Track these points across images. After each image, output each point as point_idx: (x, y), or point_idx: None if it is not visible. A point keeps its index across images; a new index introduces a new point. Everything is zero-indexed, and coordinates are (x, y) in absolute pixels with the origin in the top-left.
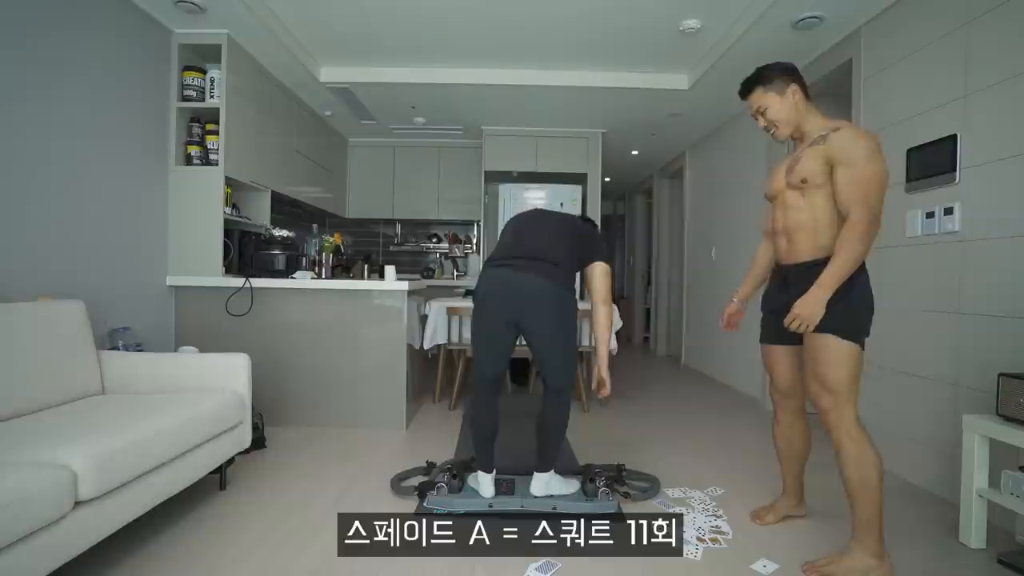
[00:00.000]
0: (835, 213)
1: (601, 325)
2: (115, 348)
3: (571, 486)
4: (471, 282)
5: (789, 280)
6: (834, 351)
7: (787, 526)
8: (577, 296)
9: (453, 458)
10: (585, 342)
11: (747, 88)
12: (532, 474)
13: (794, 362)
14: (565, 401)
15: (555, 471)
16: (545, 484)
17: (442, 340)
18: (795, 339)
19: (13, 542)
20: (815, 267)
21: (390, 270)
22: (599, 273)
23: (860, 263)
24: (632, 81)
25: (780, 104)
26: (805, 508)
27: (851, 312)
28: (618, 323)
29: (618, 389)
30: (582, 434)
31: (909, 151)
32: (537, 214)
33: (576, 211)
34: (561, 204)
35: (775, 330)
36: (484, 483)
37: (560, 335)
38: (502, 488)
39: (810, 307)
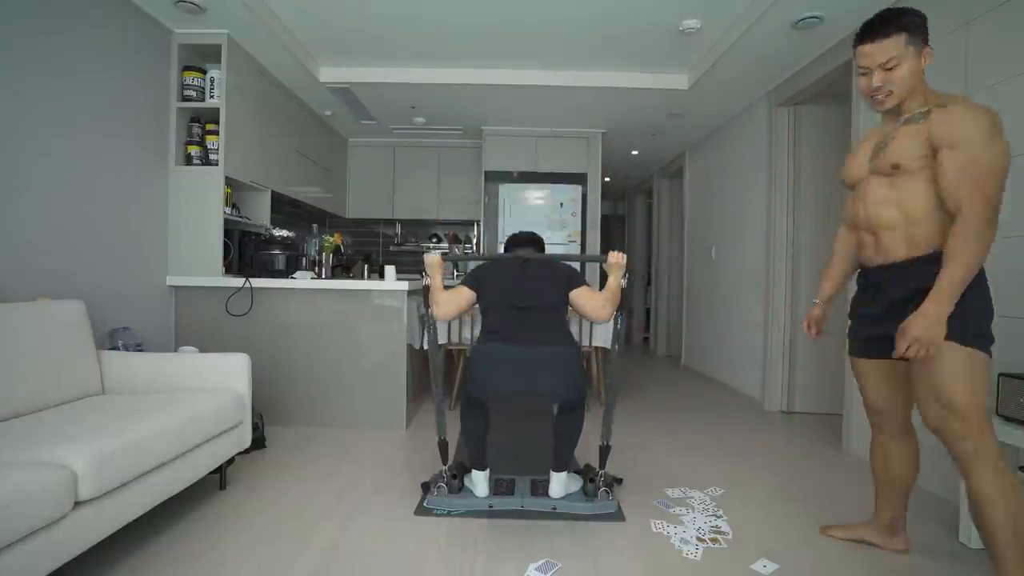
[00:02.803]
0: (934, 205)
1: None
2: (115, 348)
3: (577, 482)
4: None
5: (882, 284)
6: (958, 362)
7: (787, 527)
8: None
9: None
10: (584, 342)
11: (884, 29)
12: (529, 474)
13: (888, 376)
14: (581, 410)
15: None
16: (564, 485)
17: (442, 340)
18: (886, 351)
19: (13, 542)
20: (914, 267)
21: (390, 270)
22: (586, 296)
23: (979, 267)
24: (632, 81)
25: (914, 67)
26: (904, 542)
27: (970, 312)
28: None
29: (618, 388)
30: (582, 434)
31: None
32: (517, 268)
33: (576, 211)
34: (561, 204)
35: (863, 342)
36: (479, 481)
37: (574, 385)
38: (502, 488)
39: (929, 328)
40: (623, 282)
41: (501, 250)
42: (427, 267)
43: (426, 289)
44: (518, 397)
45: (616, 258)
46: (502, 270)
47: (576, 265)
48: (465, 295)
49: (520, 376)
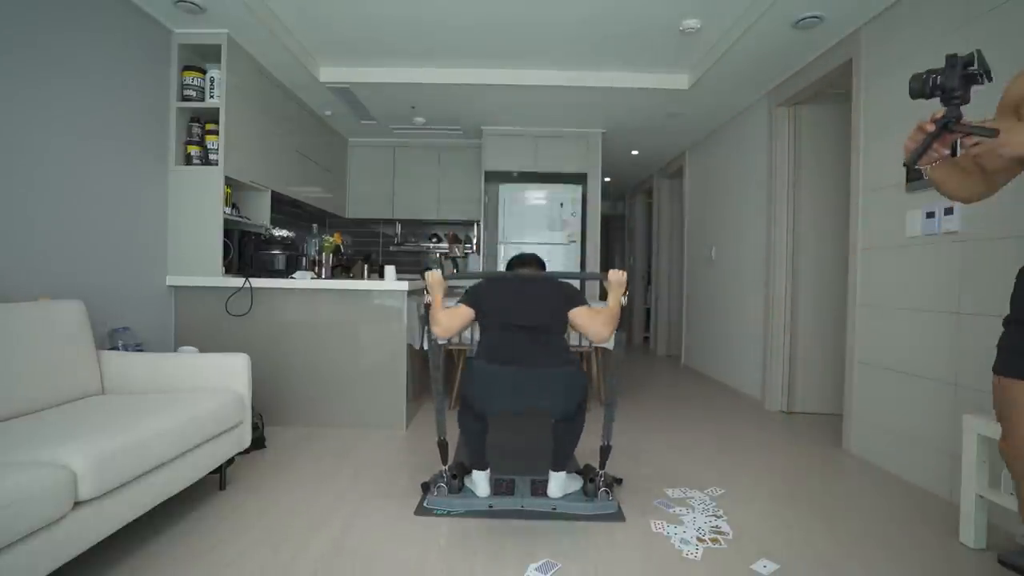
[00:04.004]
0: None
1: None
2: (115, 348)
3: (577, 482)
4: (471, 283)
5: None
6: None
7: (787, 527)
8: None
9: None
10: (584, 343)
11: None
12: (529, 474)
13: None
14: (582, 413)
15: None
16: (562, 486)
17: (442, 340)
18: None
19: (13, 542)
20: None
21: (390, 270)
22: (586, 316)
23: None
24: (632, 81)
25: None
26: None
27: None
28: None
29: (618, 388)
30: (582, 434)
31: None
32: (516, 285)
33: (576, 211)
34: (561, 204)
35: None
36: (480, 481)
37: (574, 403)
38: (501, 488)
39: None
40: (623, 300)
41: (503, 260)
42: (428, 286)
43: (427, 307)
44: (516, 412)
45: (616, 276)
46: (501, 288)
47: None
48: (464, 314)
49: (518, 396)
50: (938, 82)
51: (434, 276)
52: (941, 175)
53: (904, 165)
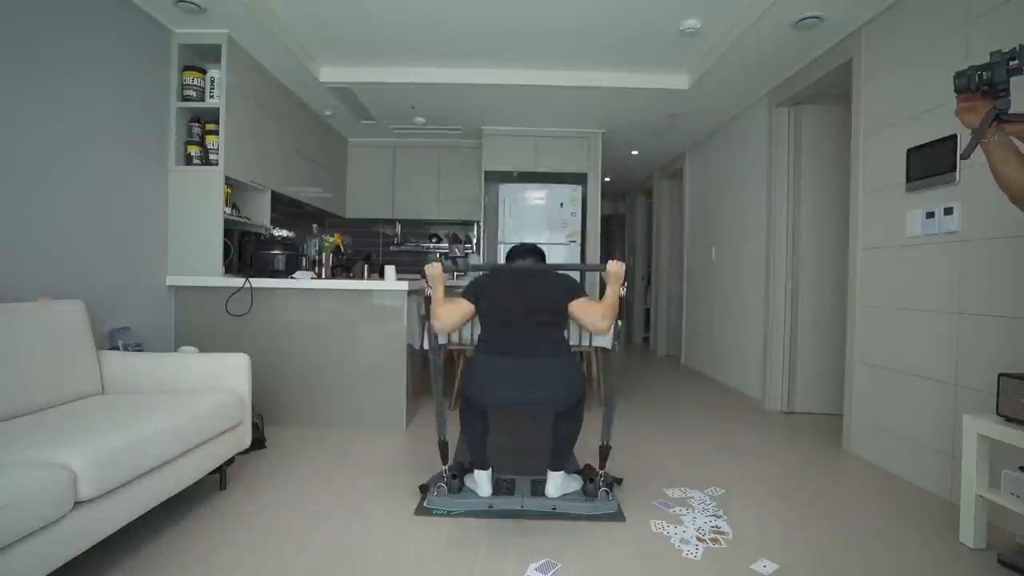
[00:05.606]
0: None
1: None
2: (115, 348)
3: (576, 483)
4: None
5: None
6: None
7: (787, 526)
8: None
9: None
10: (585, 342)
11: None
12: (529, 474)
13: None
14: (580, 411)
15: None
16: (560, 485)
17: (442, 340)
18: None
19: (13, 542)
20: None
21: (390, 270)
22: (585, 308)
23: None
24: (632, 81)
25: None
26: None
27: None
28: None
29: (618, 389)
30: (582, 434)
31: (909, 151)
32: (516, 279)
33: (576, 211)
34: (561, 204)
35: None
36: (481, 481)
37: (572, 397)
38: (502, 488)
39: None
40: (622, 291)
41: (503, 259)
42: (428, 279)
43: (427, 300)
44: (516, 405)
45: (614, 268)
46: (501, 281)
47: (575, 274)
48: (465, 307)
49: (517, 387)
50: (984, 78)
51: (434, 269)
52: (1000, 159)
53: (961, 157)
